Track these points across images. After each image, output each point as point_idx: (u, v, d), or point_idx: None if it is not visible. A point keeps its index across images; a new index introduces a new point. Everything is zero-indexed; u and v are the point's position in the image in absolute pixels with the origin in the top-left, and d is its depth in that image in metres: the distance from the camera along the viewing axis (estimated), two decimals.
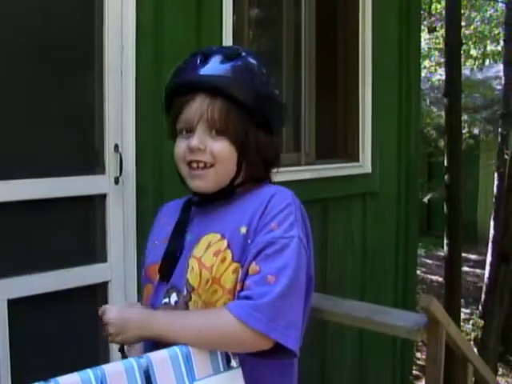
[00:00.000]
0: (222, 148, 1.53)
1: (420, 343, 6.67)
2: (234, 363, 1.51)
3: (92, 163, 2.63)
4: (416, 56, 4.69)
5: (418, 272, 8.73)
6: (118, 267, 2.66)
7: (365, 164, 4.11)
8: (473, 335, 8.19)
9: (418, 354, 7.13)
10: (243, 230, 1.49)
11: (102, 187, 2.62)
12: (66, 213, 2.57)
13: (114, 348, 2.63)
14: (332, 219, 3.86)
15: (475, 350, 4.52)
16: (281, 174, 3.36)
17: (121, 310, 1.55)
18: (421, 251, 11.53)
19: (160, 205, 2.77)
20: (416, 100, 4.67)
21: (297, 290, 1.45)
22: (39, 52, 2.49)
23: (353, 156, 4.11)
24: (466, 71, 12.53)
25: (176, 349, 1.47)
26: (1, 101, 2.38)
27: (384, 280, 4.35)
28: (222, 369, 1.50)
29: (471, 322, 8.67)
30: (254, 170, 1.59)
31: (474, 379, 3.17)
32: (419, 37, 4.89)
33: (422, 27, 12.58)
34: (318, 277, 3.64)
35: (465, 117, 10.20)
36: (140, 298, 1.74)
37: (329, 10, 4.09)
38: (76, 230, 2.62)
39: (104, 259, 2.65)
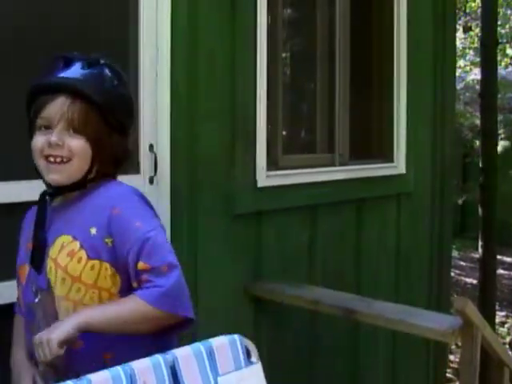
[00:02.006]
0: (78, 145, 1.68)
1: (453, 346, 6.60)
2: (254, 358, 1.59)
3: (127, 163, 2.64)
4: (451, 55, 4.66)
5: (452, 274, 8.65)
6: None
7: (399, 164, 4.08)
8: (508, 339, 8.09)
9: (451, 357, 7.06)
10: (93, 230, 1.66)
11: (137, 187, 2.60)
12: None
13: None
14: (366, 220, 3.84)
15: (511, 353, 4.47)
16: (314, 175, 3.42)
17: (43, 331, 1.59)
18: (455, 253, 11.41)
19: (194, 205, 2.82)
20: (451, 100, 4.64)
21: (179, 266, 1.66)
22: (76, 51, 2.51)
23: (387, 156, 4.09)
24: (501, 71, 12.38)
25: (199, 345, 1.53)
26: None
27: (418, 281, 4.32)
28: (243, 364, 1.57)
29: (506, 325, 8.57)
30: (104, 167, 1.76)
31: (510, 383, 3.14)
32: (454, 36, 4.85)
33: (457, 26, 12.45)
34: (352, 277, 3.68)
35: (500, 117, 10.07)
36: None
37: (363, 10, 4.08)
38: None
39: None
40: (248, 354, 1.60)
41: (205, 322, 2.85)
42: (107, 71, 1.74)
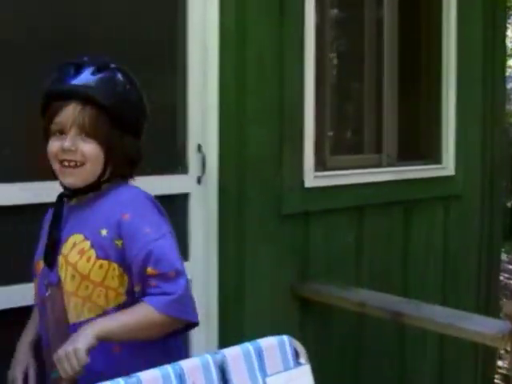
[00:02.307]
0: (90, 149, 1.72)
1: (502, 351, 6.48)
2: (302, 360, 1.60)
3: (175, 163, 2.68)
4: (501, 55, 4.57)
5: (501, 278, 8.52)
6: (199, 266, 2.70)
7: (448, 166, 4.02)
8: None
9: (500, 363, 6.93)
10: (104, 232, 1.71)
11: (185, 187, 2.66)
12: None
13: (195, 347, 2.68)
14: (413, 221, 3.80)
15: None
16: (362, 176, 3.40)
17: (63, 346, 1.58)
18: (503, 256, 11.21)
19: (242, 206, 2.83)
20: (501, 100, 4.55)
21: (186, 273, 1.71)
22: (127, 52, 2.54)
23: (435, 157, 4.03)
24: None
25: (248, 345, 1.54)
26: None
27: (466, 285, 4.25)
28: (291, 365, 1.58)
29: None
30: (119, 168, 1.80)
31: None
32: (504, 35, 4.76)
33: (507, 25, 12.24)
34: (399, 279, 3.64)
35: None
36: None
37: (411, 9, 4.03)
38: None
39: (185, 258, 2.67)
40: (297, 355, 1.61)
41: (251, 322, 2.88)
42: (119, 75, 1.79)
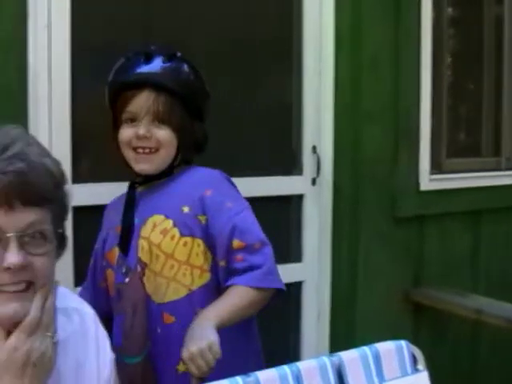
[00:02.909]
0: (165, 135, 1.76)
1: None
2: (420, 366, 1.56)
3: (290, 164, 2.69)
4: None
5: None
6: (312, 268, 2.69)
7: None
8: None
9: None
10: (185, 209, 1.74)
11: (299, 188, 2.66)
12: (262, 212, 2.61)
13: (306, 348, 2.67)
14: None
15: None
16: (479, 179, 3.29)
17: (190, 343, 1.56)
18: None
19: (356, 207, 2.80)
20: None
21: (269, 242, 1.76)
22: (243, 52, 2.58)
23: None
24: None
25: (366, 349, 1.50)
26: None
27: None
28: (409, 371, 1.54)
29: None
30: (188, 153, 1.85)
31: None
32: None
33: None
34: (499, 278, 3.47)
35: None
36: (93, 283, 1.94)
37: None
38: (272, 229, 2.65)
39: (299, 259, 2.68)
40: (414, 361, 1.57)
41: (363, 325, 2.85)
42: (185, 64, 1.83)
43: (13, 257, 1.14)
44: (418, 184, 3.00)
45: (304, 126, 2.66)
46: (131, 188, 1.86)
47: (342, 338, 2.77)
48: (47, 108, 2.13)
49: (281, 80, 2.70)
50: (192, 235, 1.74)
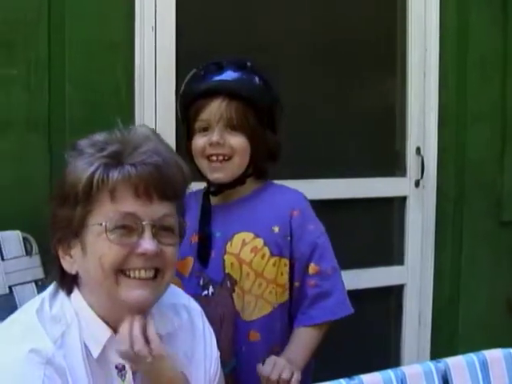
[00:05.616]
0: (239, 142, 1.76)
1: None
2: None
3: (393, 165, 2.68)
4: None
5: None
6: (414, 271, 2.67)
7: None
8: None
9: None
10: (276, 229, 1.77)
11: (403, 190, 2.64)
12: (364, 213, 2.63)
13: (406, 352, 2.65)
14: None
15: None
16: None
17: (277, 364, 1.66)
18: None
19: (460, 210, 2.74)
20: None
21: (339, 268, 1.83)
22: (348, 54, 2.59)
23: None
24: None
25: (473, 356, 1.47)
26: (310, 102, 2.52)
27: None
28: None
29: None
30: (261, 162, 1.83)
31: None
32: None
33: None
34: None
35: None
36: None
37: None
38: (374, 230, 2.67)
39: (401, 262, 2.66)
40: None
41: (465, 330, 2.78)
42: (257, 74, 1.83)
43: (148, 243, 1.20)
44: None
45: (408, 127, 2.64)
46: (206, 199, 1.86)
47: (443, 342, 2.73)
48: (153, 108, 2.20)
49: (385, 81, 2.69)
50: (280, 255, 1.77)
